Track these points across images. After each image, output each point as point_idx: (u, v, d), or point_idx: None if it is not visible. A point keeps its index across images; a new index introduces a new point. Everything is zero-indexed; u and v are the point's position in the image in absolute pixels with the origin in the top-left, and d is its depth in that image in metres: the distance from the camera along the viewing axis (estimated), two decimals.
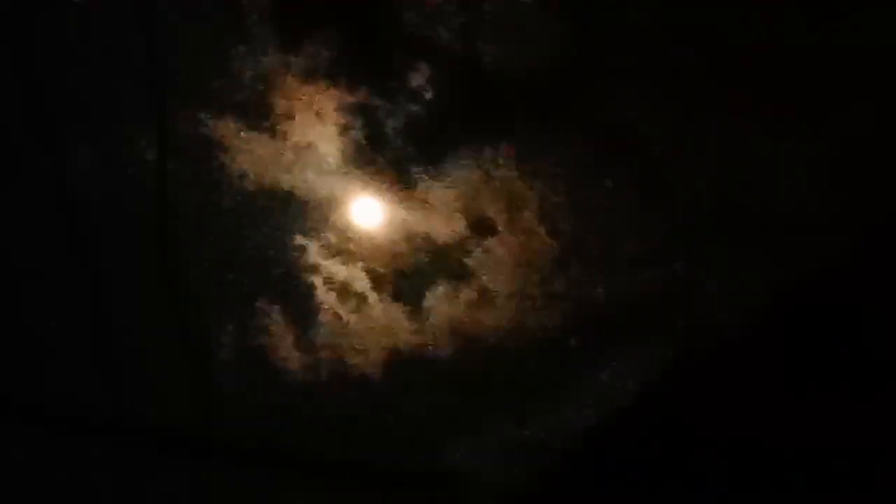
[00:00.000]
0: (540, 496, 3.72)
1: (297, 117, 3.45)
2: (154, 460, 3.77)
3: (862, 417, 3.34)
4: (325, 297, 3.57)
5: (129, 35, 3.48)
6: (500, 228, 3.46)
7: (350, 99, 3.42)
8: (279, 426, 3.70)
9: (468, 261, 3.50)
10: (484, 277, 3.50)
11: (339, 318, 3.58)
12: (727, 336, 3.45)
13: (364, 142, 3.45)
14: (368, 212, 3.52)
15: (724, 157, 3.35)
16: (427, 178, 3.45)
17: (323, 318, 3.59)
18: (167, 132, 3.51)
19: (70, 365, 3.72)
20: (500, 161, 3.40)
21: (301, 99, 3.43)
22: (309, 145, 3.46)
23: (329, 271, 3.56)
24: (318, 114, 3.44)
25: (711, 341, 3.49)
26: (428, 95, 3.40)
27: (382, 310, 3.57)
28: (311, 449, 3.69)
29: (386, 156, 3.45)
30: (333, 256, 3.55)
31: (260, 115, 3.46)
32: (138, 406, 3.73)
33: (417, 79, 3.39)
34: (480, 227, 3.46)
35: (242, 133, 3.48)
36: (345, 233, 3.53)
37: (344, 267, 3.55)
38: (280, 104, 3.44)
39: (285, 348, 3.62)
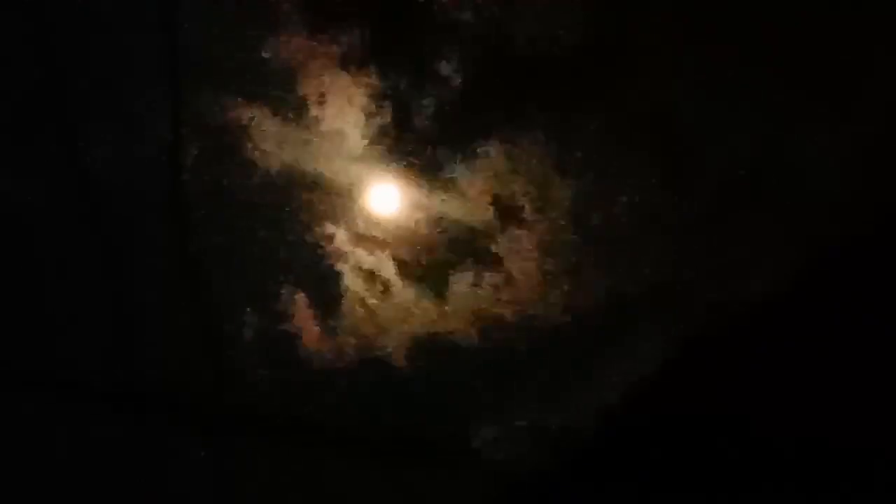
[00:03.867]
0: (560, 483, 3.75)
1: (325, 103, 3.43)
2: (173, 436, 3.74)
3: (878, 413, 3.38)
4: (352, 282, 3.57)
5: (151, 17, 3.44)
6: (527, 215, 3.48)
7: (378, 84, 3.42)
8: (299, 409, 3.69)
9: (494, 247, 3.51)
10: (510, 264, 3.52)
11: (365, 303, 3.58)
12: (754, 320, 3.49)
13: (392, 128, 3.45)
14: (394, 198, 3.52)
15: (753, 139, 3.38)
16: (455, 164, 3.45)
17: (348, 303, 3.59)
18: (185, 116, 3.48)
19: (90, 343, 3.67)
20: (529, 147, 3.41)
21: (329, 84, 3.42)
22: (337, 131, 3.46)
23: (355, 257, 3.55)
24: (346, 99, 3.43)
25: (736, 324, 3.52)
26: (456, 81, 3.40)
27: (408, 295, 3.57)
28: (331, 432, 3.69)
29: (414, 142, 3.45)
30: (359, 242, 3.55)
31: (288, 100, 3.44)
32: (159, 384, 3.70)
33: (446, 64, 3.39)
34: (508, 213, 3.48)
35: (269, 118, 3.45)
36: (372, 219, 3.53)
37: (370, 253, 3.55)
38: (308, 90, 3.43)
39: (310, 333, 3.61)
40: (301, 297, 3.59)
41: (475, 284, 3.54)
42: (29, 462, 3.68)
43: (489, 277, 3.54)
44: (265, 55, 3.41)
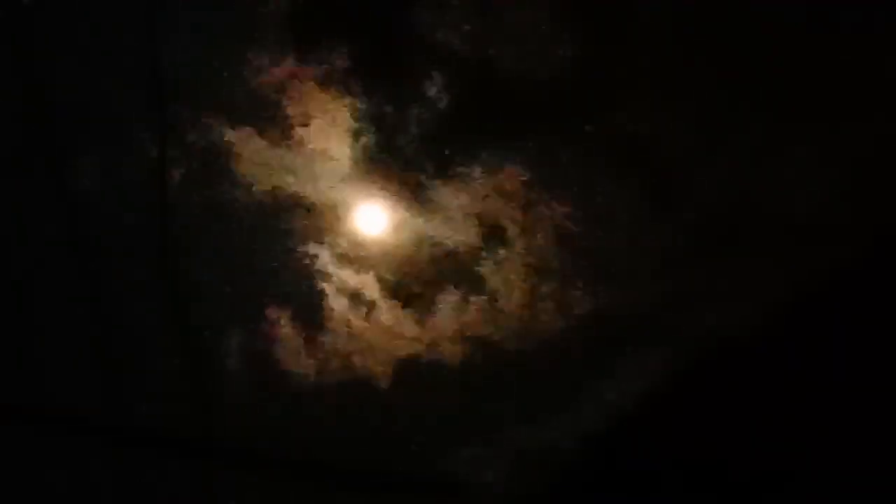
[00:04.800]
0: (543, 502, 3.74)
1: (310, 124, 3.44)
2: (157, 464, 3.75)
3: (871, 428, 3.36)
4: (336, 303, 3.57)
5: (135, 38, 3.45)
6: (511, 236, 3.47)
7: (363, 106, 3.43)
8: (285, 431, 3.70)
9: (479, 268, 3.51)
10: (495, 285, 3.51)
11: (350, 324, 3.58)
12: (737, 345, 3.48)
13: (377, 149, 3.45)
14: (380, 219, 3.52)
15: (736, 164, 3.37)
16: (439, 185, 3.45)
17: (333, 324, 3.59)
18: (171, 138, 3.49)
19: (74, 370, 3.69)
20: (513, 169, 3.41)
21: (315, 106, 3.43)
22: (322, 152, 3.46)
23: (340, 278, 3.56)
24: (331, 120, 3.44)
25: (721, 350, 3.51)
26: (441, 103, 3.41)
27: (393, 316, 3.57)
28: (317, 454, 3.69)
29: (399, 163, 3.46)
30: (344, 263, 3.55)
31: (273, 121, 3.45)
32: (143, 410, 3.71)
33: (431, 86, 3.40)
34: (492, 235, 3.48)
35: (255, 139, 3.47)
36: (356, 239, 3.54)
37: (355, 273, 3.55)
38: (293, 111, 3.44)
39: (294, 354, 3.61)
40: (286, 317, 3.59)
41: (460, 305, 3.54)
42: (8, 495, 3.68)
43: (474, 299, 3.53)
44: (251, 77, 3.42)
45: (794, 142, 3.32)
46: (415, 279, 3.54)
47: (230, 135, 3.47)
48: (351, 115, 3.44)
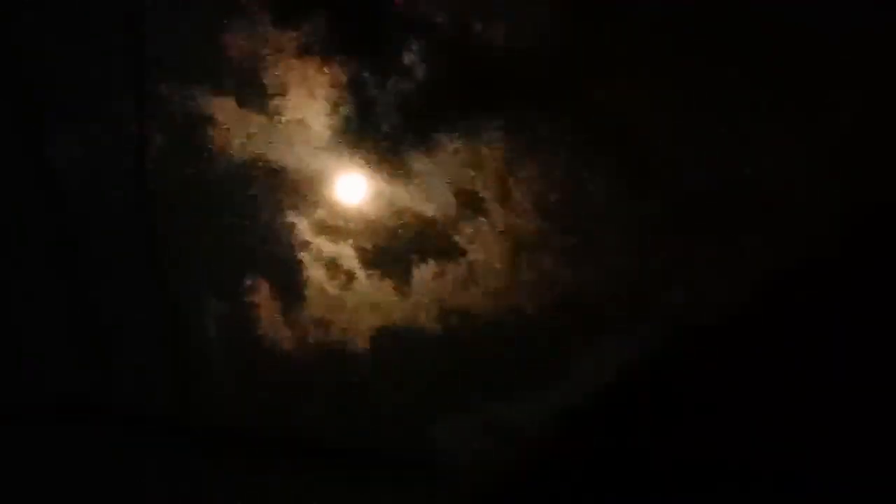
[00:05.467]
0: (521, 481, 3.73)
1: (289, 93, 3.45)
2: (135, 445, 3.75)
3: (857, 413, 3.36)
4: (314, 273, 3.58)
5: (114, 9, 3.45)
6: (489, 207, 3.48)
7: (342, 75, 3.43)
8: (261, 402, 3.70)
9: (457, 238, 3.52)
10: (472, 255, 3.52)
11: (327, 294, 3.59)
12: (717, 324, 3.48)
13: (355, 118, 3.46)
14: (358, 188, 3.53)
15: (719, 145, 3.38)
16: (417, 155, 3.46)
17: (310, 294, 3.60)
18: (148, 108, 3.49)
19: (50, 347, 3.68)
20: (491, 140, 3.42)
21: (292, 75, 3.44)
22: (300, 121, 3.47)
23: (318, 247, 3.56)
24: (308, 90, 3.44)
25: (701, 329, 3.51)
26: (420, 73, 3.42)
27: (370, 286, 3.57)
28: (291, 426, 3.69)
29: (377, 132, 3.46)
30: (322, 232, 3.56)
31: (251, 91, 3.46)
32: (118, 387, 3.70)
33: (410, 56, 3.40)
34: (470, 204, 3.48)
35: (233, 109, 3.47)
36: (334, 209, 3.54)
37: (333, 243, 3.56)
38: (272, 80, 3.45)
39: (272, 324, 3.61)
40: (264, 287, 3.60)
41: (437, 275, 3.54)
42: None
43: (452, 269, 3.54)
44: (230, 46, 3.43)
45: (776, 120, 3.33)
46: (393, 249, 3.55)
47: (209, 105, 3.48)
48: (330, 84, 3.45)
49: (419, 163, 3.48)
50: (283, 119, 3.48)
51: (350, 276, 3.57)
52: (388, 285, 3.57)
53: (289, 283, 3.59)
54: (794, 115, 3.32)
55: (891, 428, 3.29)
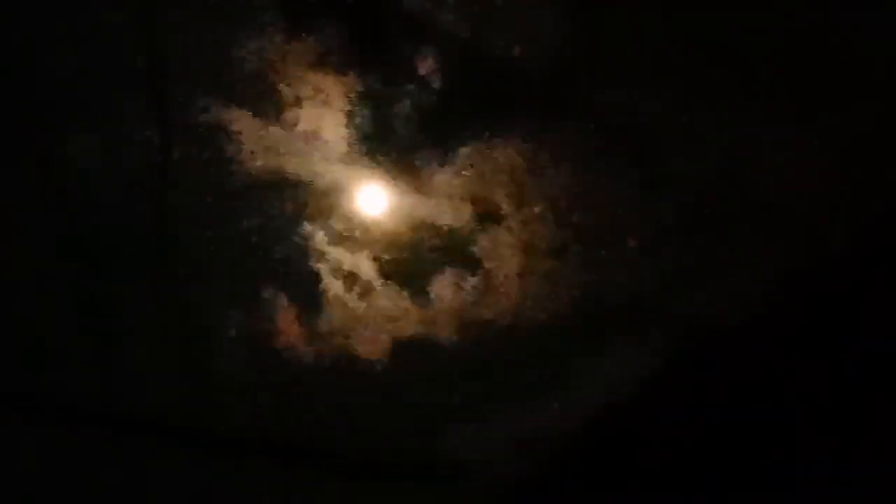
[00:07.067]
0: (537, 487, 3.74)
1: (303, 104, 3.44)
2: (152, 450, 3.77)
3: (861, 413, 3.36)
4: (331, 284, 3.58)
5: (131, 18, 3.43)
6: (506, 216, 3.47)
7: (357, 86, 3.42)
8: (280, 412, 3.71)
9: (474, 248, 3.51)
10: (490, 265, 3.51)
11: (345, 305, 3.59)
12: (729, 328, 3.48)
13: (370, 129, 3.45)
14: (374, 199, 3.52)
15: (725, 147, 3.36)
16: (433, 165, 3.45)
17: (328, 305, 3.60)
18: (169, 117, 3.49)
19: (68, 355, 3.70)
20: (507, 149, 3.41)
21: (308, 86, 3.42)
22: (315, 132, 3.46)
23: (334, 258, 3.56)
24: (324, 101, 3.43)
25: (713, 333, 3.51)
26: (435, 83, 3.40)
27: (387, 297, 3.58)
28: (310, 435, 3.70)
29: (392, 143, 3.45)
30: (339, 244, 3.56)
31: (266, 102, 3.45)
32: (137, 395, 3.73)
33: (425, 67, 3.39)
34: (487, 214, 3.48)
35: (250, 120, 3.47)
36: (351, 220, 3.54)
37: (350, 254, 3.56)
38: (288, 91, 3.43)
39: (289, 335, 3.62)
40: (282, 298, 3.60)
41: (455, 286, 3.54)
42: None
43: (469, 279, 3.54)
44: (246, 57, 3.41)
45: (784, 124, 3.31)
46: (410, 259, 3.55)
47: (225, 115, 3.47)
48: (345, 95, 3.43)
49: (435, 172, 3.47)
50: (299, 130, 3.47)
51: (367, 286, 3.57)
52: (405, 296, 3.57)
53: (306, 293, 3.60)
54: (800, 115, 3.30)
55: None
